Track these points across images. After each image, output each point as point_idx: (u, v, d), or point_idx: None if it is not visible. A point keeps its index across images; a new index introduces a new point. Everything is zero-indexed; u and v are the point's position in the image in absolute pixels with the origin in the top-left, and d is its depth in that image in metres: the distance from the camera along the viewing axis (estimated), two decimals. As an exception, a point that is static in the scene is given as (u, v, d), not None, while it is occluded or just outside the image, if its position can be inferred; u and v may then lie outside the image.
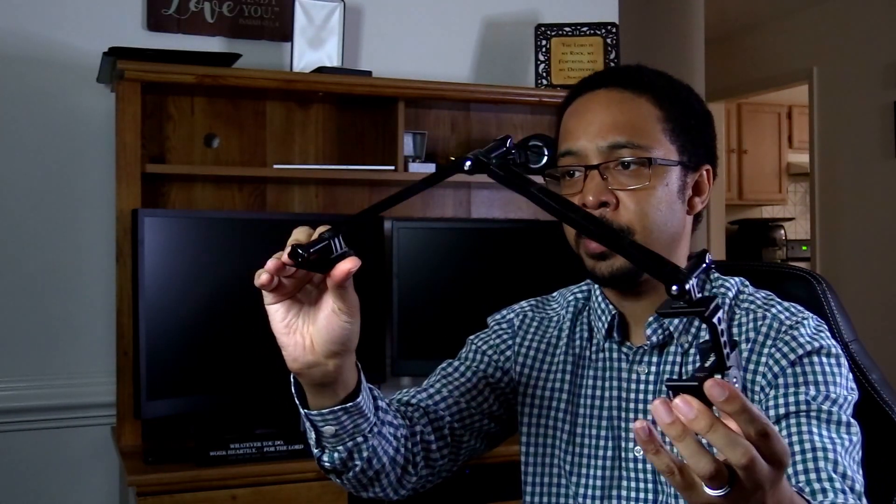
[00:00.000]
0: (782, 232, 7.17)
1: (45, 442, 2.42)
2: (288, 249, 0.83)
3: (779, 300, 1.13)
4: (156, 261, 2.17)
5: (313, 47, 2.59)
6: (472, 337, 1.28)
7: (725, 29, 5.85)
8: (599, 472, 1.13)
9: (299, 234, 0.87)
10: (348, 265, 0.82)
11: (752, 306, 1.12)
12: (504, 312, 1.29)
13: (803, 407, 1.01)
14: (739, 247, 6.97)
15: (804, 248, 6.74)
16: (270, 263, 0.84)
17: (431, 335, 2.56)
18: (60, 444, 2.43)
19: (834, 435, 0.99)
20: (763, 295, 1.14)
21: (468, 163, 0.83)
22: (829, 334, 1.09)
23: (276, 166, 2.58)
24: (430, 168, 2.67)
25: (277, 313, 0.91)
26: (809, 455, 0.96)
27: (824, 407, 1.01)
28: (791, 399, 1.02)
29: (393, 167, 2.59)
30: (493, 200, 2.84)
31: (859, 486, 0.96)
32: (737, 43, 6.02)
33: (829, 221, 5.22)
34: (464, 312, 2.53)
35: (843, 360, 1.07)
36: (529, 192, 0.80)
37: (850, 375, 1.08)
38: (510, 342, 1.25)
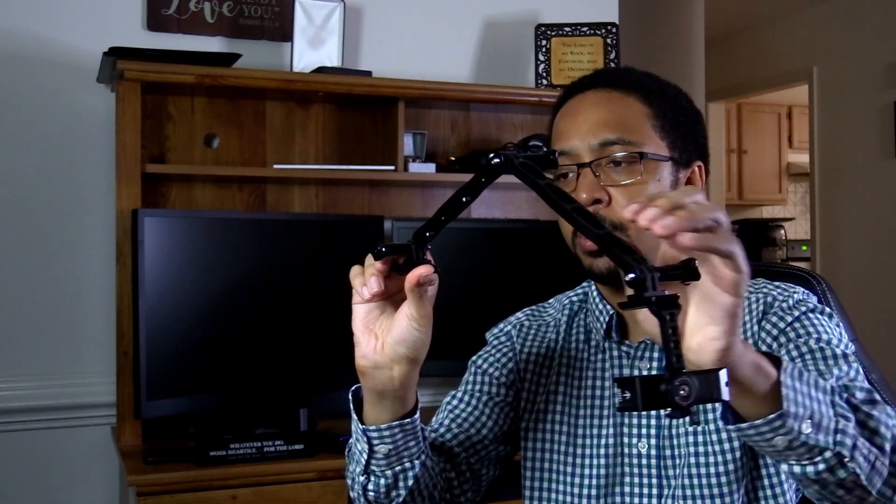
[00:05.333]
0: (782, 232, 7.17)
1: (45, 442, 2.42)
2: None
3: (769, 281, 1.15)
4: (156, 261, 2.17)
5: (313, 47, 2.59)
6: (473, 358, 1.28)
7: (725, 29, 5.85)
8: (602, 471, 1.13)
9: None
10: (421, 270, 0.89)
11: (745, 293, 1.14)
12: (501, 326, 1.30)
13: (805, 351, 1.04)
14: (739, 247, 6.96)
15: (804, 248, 6.74)
16: (373, 282, 0.90)
17: (431, 335, 2.56)
18: (60, 444, 2.43)
19: (835, 370, 1.00)
20: (754, 281, 1.17)
21: (496, 160, 0.86)
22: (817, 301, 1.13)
23: (276, 166, 2.58)
24: (430, 168, 2.67)
25: (361, 311, 0.95)
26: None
27: (821, 345, 1.03)
28: (793, 350, 1.05)
29: (393, 167, 2.59)
30: (492, 200, 2.84)
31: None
32: (737, 43, 6.02)
33: (829, 221, 5.22)
34: (464, 312, 2.52)
35: (837, 321, 1.10)
36: (538, 186, 0.81)
37: (844, 333, 1.10)
38: (510, 354, 1.25)
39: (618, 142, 1.10)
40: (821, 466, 0.84)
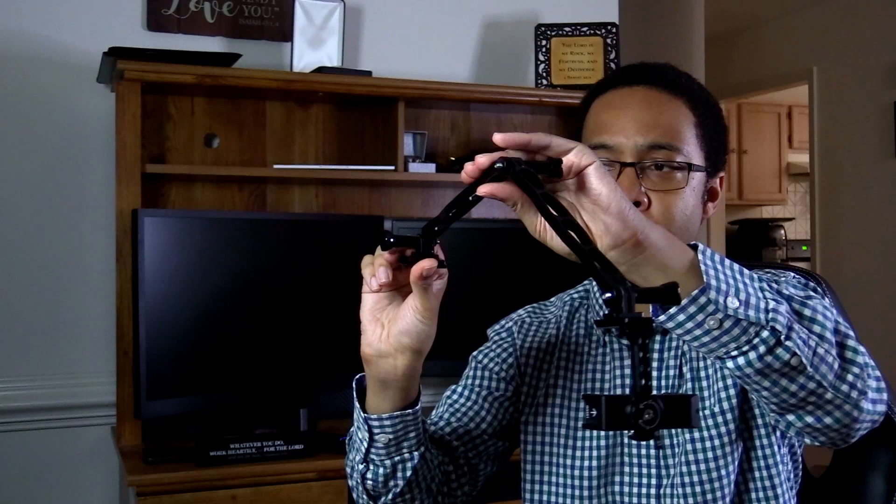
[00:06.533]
0: (782, 232, 7.17)
1: (45, 442, 2.42)
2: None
3: (760, 270, 1.16)
4: (156, 261, 2.17)
5: (313, 47, 2.59)
6: (474, 353, 1.28)
7: (725, 28, 5.85)
8: (602, 462, 1.14)
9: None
10: (424, 263, 0.89)
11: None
12: (503, 322, 1.30)
13: None
14: (739, 247, 6.97)
15: (804, 248, 6.73)
16: (381, 273, 0.92)
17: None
18: (60, 444, 2.43)
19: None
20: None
21: (499, 164, 0.87)
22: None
23: (276, 166, 2.58)
24: (430, 168, 2.67)
25: (369, 300, 0.96)
26: None
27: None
28: None
29: (393, 167, 2.59)
30: (493, 200, 2.83)
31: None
32: (737, 43, 6.02)
33: (829, 221, 5.22)
34: (463, 312, 2.52)
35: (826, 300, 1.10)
36: (534, 194, 0.82)
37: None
38: (511, 350, 1.25)
39: (666, 146, 1.09)
40: (761, 349, 0.84)
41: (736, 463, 1.08)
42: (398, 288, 0.95)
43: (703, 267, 0.83)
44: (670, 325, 0.84)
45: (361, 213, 2.69)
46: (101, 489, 2.47)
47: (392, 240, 0.89)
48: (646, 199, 1.08)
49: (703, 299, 0.82)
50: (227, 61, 2.43)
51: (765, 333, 0.84)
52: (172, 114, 2.52)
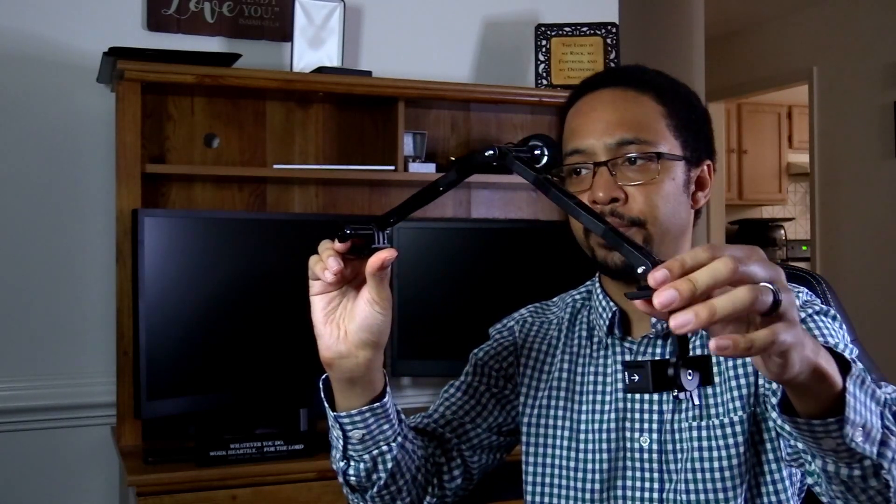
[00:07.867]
0: (782, 232, 7.17)
1: (45, 442, 2.42)
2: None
3: None
4: (156, 261, 2.17)
5: (313, 47, 2.59)
6: (475, 350, 1.29)
7: (725, 29, 5.85)
8: (604, 465, 1.14)
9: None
10: (385, 254, 0.91)
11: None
12: (504, 321, 1.31)
13: None
14: (739, 247, 6.96)
15: (804, 248, 6.74)
16: (332, 262, 0.92)
17: (431, 335, 2.56)
18: (60, 444, 2.43)
19: None
20: None
21: (490, 152, 0.88)
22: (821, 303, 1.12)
23: (276, 166, 2.58)
24: (430, 168, 2.67)
25: (320, 303, 0.97)
26: None
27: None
28: None
29: (393, 167, 2.59)
30: (492, 200, 2.84)
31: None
32: (737, 43, 6.02)
33: (829, 221, 5.22)
34: (463, 312, 2.53)
35: (840, 323, 1.10)
36: (537, 180, 0.83)
37: (848, 336, 1.09)
38: (511, 348, 1.26)
39: (634, 141, 1.10)
40: (857, 472, 0.84)
41: (745, 483, 1.08)
42: (347, 282, 0.96)
43: (848, 398, 0.79)
44: (790, 425, 0.82)
45: (361, 213, 2.69)
46: (101, 489, 2.47)
47: (350, 231, 0.92)
48: (623, 195, 1.10)
49: (834, 427, 0.80)
50: (227, 61, 2.43)
51: (867, 462, 0.83)
52: (172, 114, 2.52)
